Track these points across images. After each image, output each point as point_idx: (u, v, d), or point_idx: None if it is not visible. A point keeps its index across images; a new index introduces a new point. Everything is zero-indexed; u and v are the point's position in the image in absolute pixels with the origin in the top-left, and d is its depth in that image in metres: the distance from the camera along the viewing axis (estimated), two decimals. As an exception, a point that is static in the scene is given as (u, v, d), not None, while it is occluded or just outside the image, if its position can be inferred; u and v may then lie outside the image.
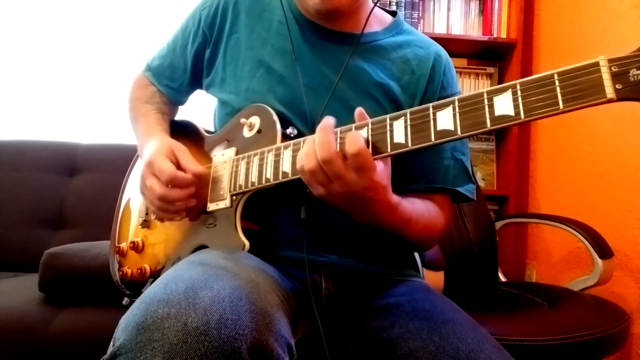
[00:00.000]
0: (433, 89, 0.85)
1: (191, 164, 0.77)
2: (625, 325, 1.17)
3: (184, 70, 0.94)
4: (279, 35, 0.85)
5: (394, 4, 2.04)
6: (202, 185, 0.80)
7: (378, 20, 0.88)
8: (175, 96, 0.97)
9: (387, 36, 0.87)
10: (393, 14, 0.93)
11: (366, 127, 0.61)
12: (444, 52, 0.90)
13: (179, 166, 0.77)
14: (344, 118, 0.64)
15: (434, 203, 0.82)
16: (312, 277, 0.78)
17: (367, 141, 0.60)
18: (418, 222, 0.74)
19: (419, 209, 0.76)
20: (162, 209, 0.78)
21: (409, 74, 0.85)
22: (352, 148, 0.58)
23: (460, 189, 0.84)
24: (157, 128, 0.89)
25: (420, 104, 0.83)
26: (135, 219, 0.94)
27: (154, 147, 0.80)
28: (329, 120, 0.62)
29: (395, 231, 0.72)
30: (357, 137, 0.58)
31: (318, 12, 0.80)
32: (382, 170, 0.61)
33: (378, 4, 0.88)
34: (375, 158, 0.60)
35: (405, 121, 0.59)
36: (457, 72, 2.05)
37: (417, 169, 0.84)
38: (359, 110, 0.63)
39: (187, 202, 0.77)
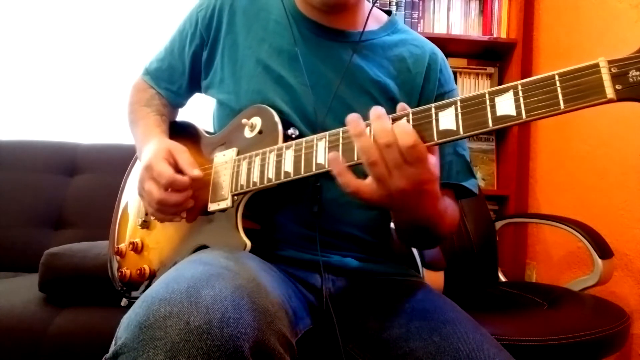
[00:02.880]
0: (430, 87, 0.86)
1: (189, 166, 0.77)
2: (625, 325, 1.17)
3: (182, 72, 0.94)
4: (276, 34, 0.85)
5: (393, 3, 2.04)
6: (202, 187, 0.80)
7: (374, 19, 0.89)
8: (174, 99, 0.97)
9: (383, 35, 0.88)
10: (388, 12, 0.93)
11: (368, 128, 0.61)
12: (438, 51, 0.91)
13: (177, 168, 0.77)
14: (342, 116, 0.64)
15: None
16: (312, 277, 0.79)
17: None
18: (448, 213, 0.73)
19: (446, 200, 0.75)
20: (160, 211, 0.78)
21: (405, 72, 0.86)
22: (407, 141, 0.55)
23: (464, 184, 0.85)
24: (156, 130, 0.89)
25: (418, 102, 0.84)
26: (134, 219, 0.93)
27: (152, 150, 0.79)
28: (380, 109, 0.59)
29: (433, 224, 0.70)
30: (409, 129, 0.56)
31: (325, 6, 0.80)
32: (435, 161, 0.59)
33: (376, 4, 0.89)
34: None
35: (408, 121, 0.59)
36: (457, 72, 2.08)
37: None
38: (350, 118, 0.61)
39: (185, 205, 0.77)
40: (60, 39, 2.12)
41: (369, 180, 0.59)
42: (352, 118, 0.59)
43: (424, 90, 0.86)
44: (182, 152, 0.79)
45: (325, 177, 0.76)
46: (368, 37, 0.85)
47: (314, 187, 0.76)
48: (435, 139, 0.57)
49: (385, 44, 0.87)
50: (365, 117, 0.60)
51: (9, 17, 2.10)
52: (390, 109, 0.61)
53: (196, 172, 0.76)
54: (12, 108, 2.09)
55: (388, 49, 0.87)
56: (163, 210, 0.77)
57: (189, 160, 0.78)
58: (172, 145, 0.80)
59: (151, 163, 0.76)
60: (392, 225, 0.93)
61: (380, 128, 0.57)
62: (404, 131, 0.55)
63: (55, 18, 2.12)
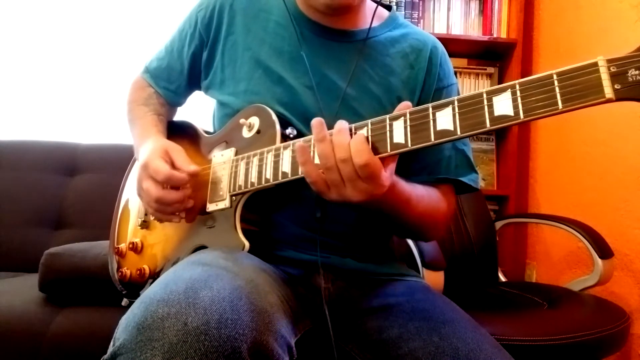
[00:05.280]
0: (430, 82, 0.86)
1: (186, 163, 0.77)
2: (625, 325, 1.17)
3: (180, 72, 0.94)
4: (276, 35, 0.85)
5: (394, 3, 2.04)
6: (201, 187, 0.80)
7: (375, 16, 0.88)
8: (173, 98, 0.97)
9: (384, 31, 0.87)
10: (388, 8, 0.93)
11: (366, 128, 0.61)
12: (439, 44, 0.90)
13: (174, 167, 0.77)
14: (344, 117, 0.64)
15: (436, 189, 0.81)
16: (312, 277, 0.79)
17: (367, 140, 0.60)
18: (418, 203, 0.73)
19: (419, 191, 0.74)
20: (160, 210, 0.78)
21: (408, 68, 0.85)
22: (360, 159, 0.58)
23: (463, 179, 0.84)
24: (153, 129, 0.89)
25: (420, 98, 0.84)
26: (133, 219, 0.93)
27: (148, 149, 0.79)
28: (344, 123, 0.62)
29: (395, 212, 0.70)
30: (363, 148, 0.58)
31: (329, 8, 0.79)
32: (389, 172, 0.61)
33: (374, 0, 0.88)
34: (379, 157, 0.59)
35: (405, 121, 0.59)
36: (457, 72, 2.08)
37: (418, 161, 0.83)
38: (314, 122, 0.62)
39: (184, 204, 0.77)
40: (60, 39, 2.12)
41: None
42: (316, 123, 0.61)
43: (425, 85, 0.85)
44: (178, 151, 0.79)
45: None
46: (370, 34, 0.85)
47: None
48: (433, 139, 0.57)
49: (387, 41, 0.86)
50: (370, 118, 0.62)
51: (9, 17, 2.10)
52: (394, 109, 0.61)
53: (192, 167, 0.76)
54: (12, 108, 2.09)
55: (390, 45, 0.86)
56: (162, 209, 0.77)
57: (185, 158, 0.78)
58: (169, 145, 0.81)
59: (148, 161, 0.76)
60: None
61: (338, 143, 0.60)
62: (358, 150, 0.58)
63: (55, 18, 2.12)
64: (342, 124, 0.62)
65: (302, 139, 0.69)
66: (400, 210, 0.71)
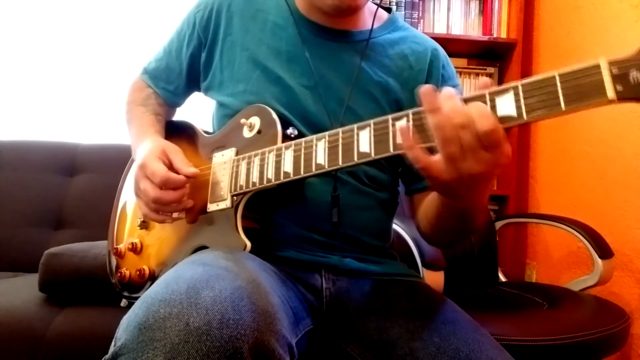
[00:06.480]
0: (433, 83, 0.85)
1: (184, 165, 0.77)
2: (625, 325, 1.17)
3: (179, 73, 0.94)
4: (274, 35, 0.85)
5: (393, 3, 2.04)
6: (201, 187, 0.80)
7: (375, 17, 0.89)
8: (171, 98, 0.97)
9: (383, 33, 0.87)
10: (388, 10, 0.93)
11: (368, 128, 0.61)
12: (440, 48, 0.91)
13: (172, 167, 0.77)
14: (344, 118, 0.64)
15: None
16: (312, 278, 0.79)
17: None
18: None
19: None
20: (157, 210, 0.78)
21: (408, 69, 0.85)
22: (486, 125, 0.50)
23: None
24: (150, 130, 0.89)
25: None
26: (132, 220, 0.93)
27: (146, 149, 0.79)
28: (451, 89, 0.55)
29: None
30: (487, 112, 0.51)
31: (337, 10, 0.79)
32: (508, 146, 0.54)
33: (375, 2, 0.88)
34: None
35: (408, 121, 0.58)
36: (457, 72, 2.07)
37: None
38: (425, 90, 0.54)
39: (182, 204, 0.77)
40: (60, 39, 2.12)
41: (438, 157, 0.54)
42: (428, 91, 0.54)
43: None
44: (176, 152, 0.79)
45: (330, 179, 0.76)
46: (368, 36, 0.85)
47: (333, 196, 0.75)
48: None
49: (386, 42, 0.86)
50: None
51: (9, 17, 2.10)
52: (393, 110, 0.61)
53: (191, 169, 0.76)
54: (12, 108, 2.09)
55: (389, 47, 0.86)
56: (160, 209, 0.77)
57: (183, 159, 0.78)
58: (167, 145, 0.81)
59: (145, 162, 0.76)
60: (394, 227, 0.93)
61: (452, 107, 0.52)
62: (482, 114, 0.51)
63: (55, 18, 2.12)
64: (449, 90, 0.54)
65: (303, 139, 0.68)
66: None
